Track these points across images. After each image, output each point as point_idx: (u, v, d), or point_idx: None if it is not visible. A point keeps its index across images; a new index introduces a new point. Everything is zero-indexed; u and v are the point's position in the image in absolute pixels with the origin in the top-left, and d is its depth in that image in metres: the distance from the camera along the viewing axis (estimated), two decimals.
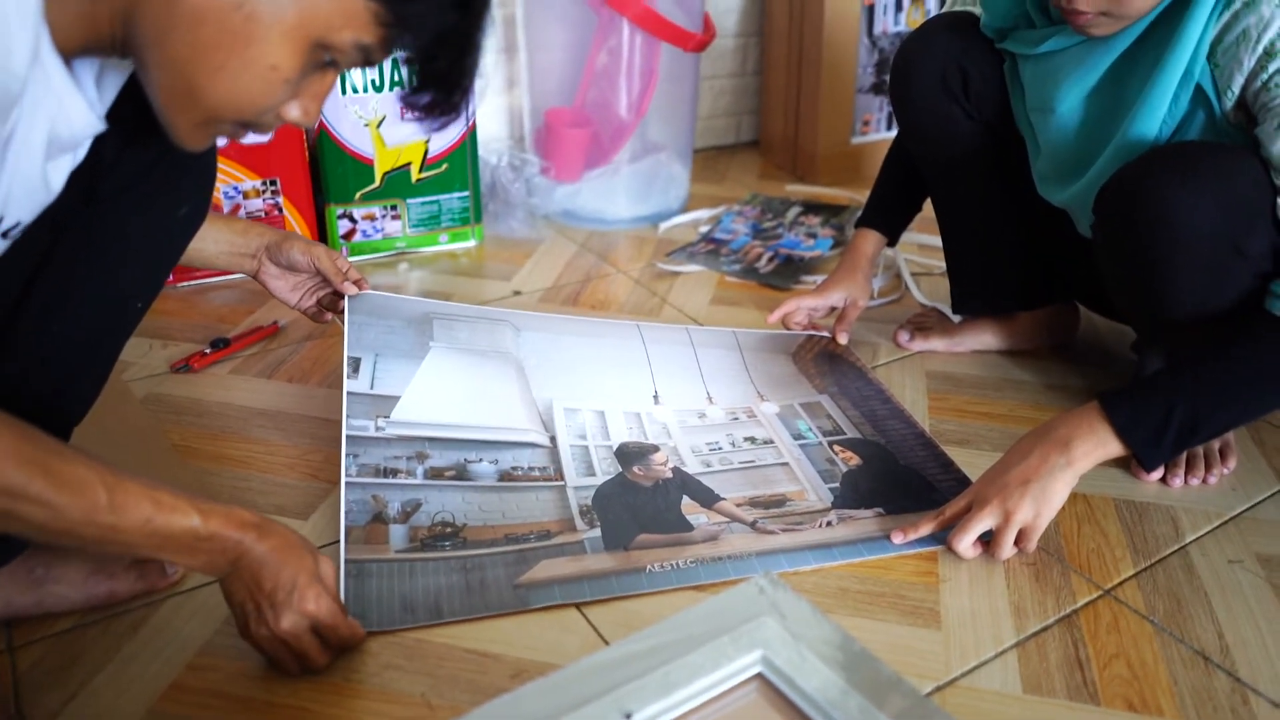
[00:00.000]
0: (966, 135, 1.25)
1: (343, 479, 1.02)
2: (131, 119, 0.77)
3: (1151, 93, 0.99)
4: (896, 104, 1.29)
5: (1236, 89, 0.94)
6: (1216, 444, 1.14)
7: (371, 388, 1.12)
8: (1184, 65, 0.97)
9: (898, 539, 1.00)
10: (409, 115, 0.74)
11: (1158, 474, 1.12)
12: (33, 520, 0.67)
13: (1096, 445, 0.95)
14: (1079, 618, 0.93)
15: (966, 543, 0.97)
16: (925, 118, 1.25)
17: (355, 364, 1.13)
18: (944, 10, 1.27)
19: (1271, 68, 0.91)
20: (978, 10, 1.20)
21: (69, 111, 0.66)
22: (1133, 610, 0.94)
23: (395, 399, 1.12)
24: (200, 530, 0.73)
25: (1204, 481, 1.12)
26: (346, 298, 1.15)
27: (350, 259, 1.66)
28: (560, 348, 1.27)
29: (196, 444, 1.16)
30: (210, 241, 1.08)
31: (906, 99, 1.26)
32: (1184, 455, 1.12)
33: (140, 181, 0.81)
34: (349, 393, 1.09)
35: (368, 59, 0.68)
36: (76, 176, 0.73)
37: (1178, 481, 1.11)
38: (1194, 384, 0.94)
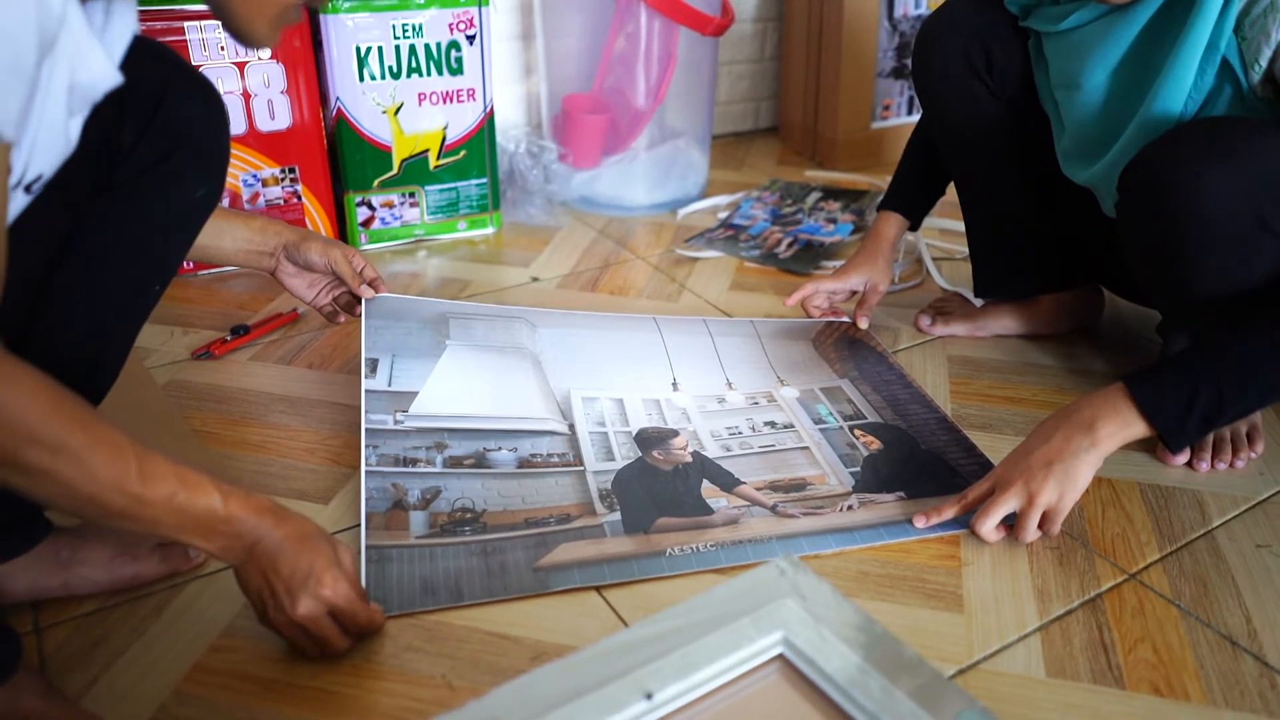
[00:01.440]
0: (989, 113, 1.23)
1: (363, 468, 1.02)
2: (146, 102, 0.77)
3: (1175, 66, 0.98)
4: (918, 81, 1.27)
5: (1264, 62, 0.93)
6: (1244, 427, 1.13)
7: (389, 385, 1.13)
8: (1207, 37, 0.95)
9: (920, 523, 1.00)
10: None
11: (1183, 458, 1.10)
12: (64, 479, 0.65)
13: (1121, 426, 0.94)
14: (1103, 601, 0.92)
15: (990, 526, 0.96)
16: (947, 95, 1.24)
17: (373, 364, 1.14)
18: None
19: None
20: None
21: (88, 59, 0.66)
22: (1158, 594, 0.93)
23: (413, 394, 1.13)
24: (220, 511, 0.73)
25: (1231, 466, 1.10)
26: (363, 300, 1.17)
27: (368, 246, 1.66)
28: (577, 342, 1.27)
29: (217, 429, 1.16)
30: (228, 239, 1.09)
31: (928, 76, 1.25)
32: (1210, 439, 1.11)
33: (158, 165, 0.81)
34: (367, 390, 1.10)
35: None
36: (95, 161, 0.74)
37: (1204, 465, 1.10)
38: (1220, 364, 0.93)
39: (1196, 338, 1.12)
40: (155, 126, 0.80)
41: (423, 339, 1.20)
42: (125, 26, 0.74)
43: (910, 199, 1.38)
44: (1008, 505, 0.95)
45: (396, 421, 1.09)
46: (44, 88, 0.63)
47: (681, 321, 1.36)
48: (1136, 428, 0.94)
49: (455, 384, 1.16)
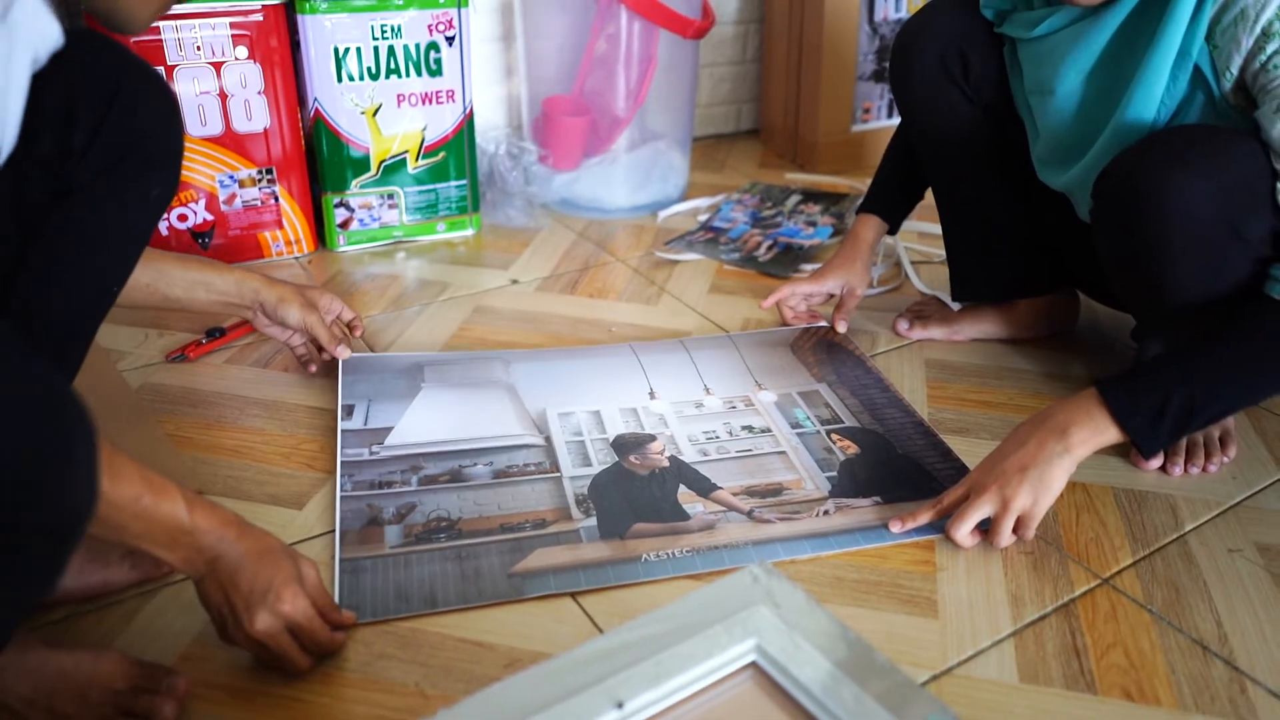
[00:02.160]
0: (966, 119, 1.24)
1: (337, 495, 1.03)
2: (97, 103, 0.77)
3: (1147, 72, 0.99)
4: (896, 86, 1.28)
5: (1235, 70, 0.93)
6: (1216, 432, 1.13)
7: (365, 424, 1.14)
8: (1178, 44, 0.96)
9: (895, 528, 1.00)
10: None
11: (1157, 462, 1.11)
12: None
13: (1094, 432, 0.94)
14: (1077, 606, 0.92)
15: (965, 531, 0.97)
16: (924, 101, 1.24)
17: (349, 410, 1.17)
18: None
19: (1270, 48, 0.90)
20: None
21: (43, 29, 0.66)
22: (1131, 599, 0.93)
23: (389, 429, 1.14)
24: (185, 521, 0.72)
25: (1204, 470, 1.11)
26: (340, 360, 1.22)
27: (346, 248, 1.66)
28: (552, 370, 1.27)
29: (191, 433, 1.15)
30: (202, 291, 1.11)
31: (906, 81, 1.25)
32: (1183, 443, 1.12)
33: (113, 168, 0.81)
34: (343, 430, 1.12)
35: None
36: (45, 164, 0.73)
37: (1177, 470, 1.11)
38: (1191, 369, 0.93)
39: (1170, 343, 1.13)
40: (108, 127, 0.80)
41: (398, 385, 1.22)
42: None
43: (889, 202, 1.38)
44: (982, 510, 0.96)
45: (372, 453, 1.10)
46: (12, 62, 0.63)
47: (658, 344, 1.36)
48: (1109, 433, 0.94)
49: (430, 416, 1.17)
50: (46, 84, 0.73)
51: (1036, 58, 1.12)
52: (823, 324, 1.41)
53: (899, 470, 1.11)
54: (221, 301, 1.14)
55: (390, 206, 1.67)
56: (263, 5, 1.47)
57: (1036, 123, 1.16)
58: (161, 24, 1.42)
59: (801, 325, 1.41)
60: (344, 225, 1.66)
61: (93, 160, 0.78)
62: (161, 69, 1.45)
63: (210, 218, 1.56)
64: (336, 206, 1.64)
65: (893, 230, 1.39)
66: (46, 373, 0.47)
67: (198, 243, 1.56)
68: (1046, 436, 0.95)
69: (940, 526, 1.00)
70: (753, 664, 0.67)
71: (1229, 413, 1.04)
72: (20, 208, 0.76)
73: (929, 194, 1.38)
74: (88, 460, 0.49)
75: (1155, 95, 0.99)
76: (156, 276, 1.07)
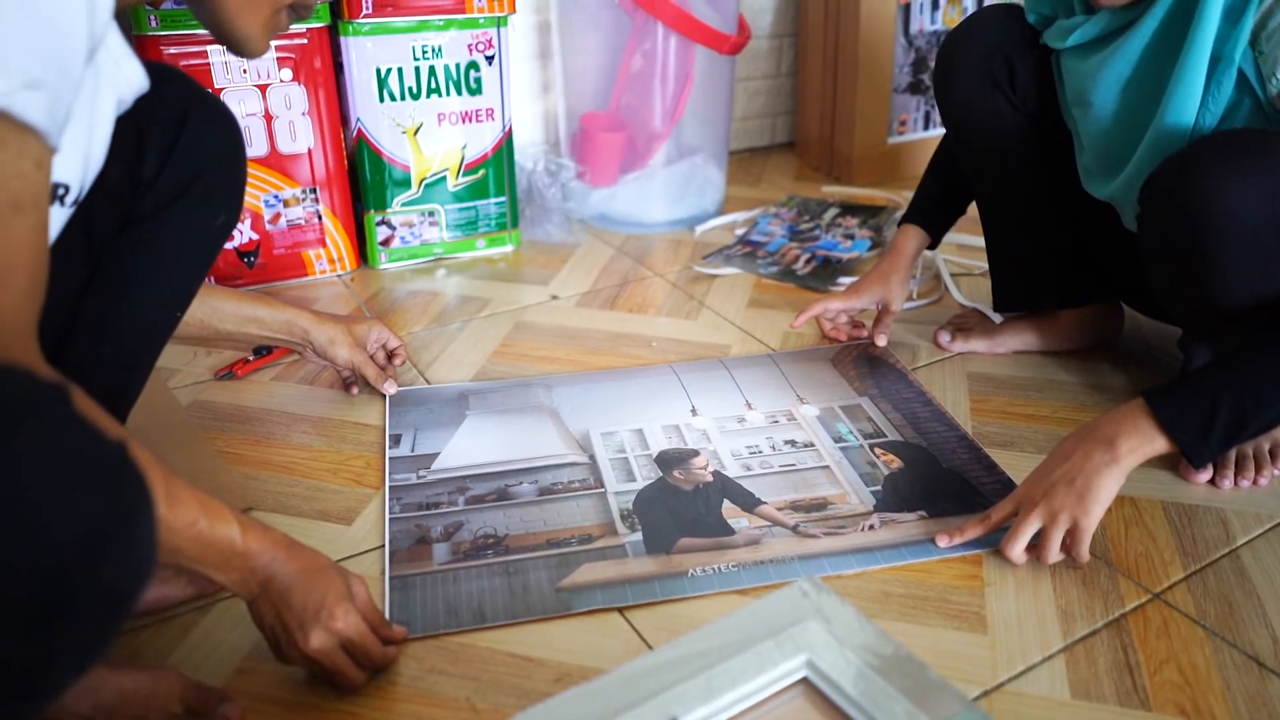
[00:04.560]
0: (1011, 128, 1.23)
1: (386, 517, 1.04)
2: (165, 132, 0.79)
3: (1183, 78, 0.98)
4: (940, 94, 1.27)
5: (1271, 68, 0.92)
6: (1266, 444, 1.12)
7: (413, 451, 1.16)
8: (1209, 47, 0.96)
9: (943, 542, 0.99)
10: None
11: (1206, 475, 1.10)
12: None
13: (1142, 442, 0.93)
14: (1128, 622, 0.91)
15: (1019, 549, 0.96)
16: (968, 109, 1.24)
17: (396, 438, 1.19)
18: (991, 2, 1.26)
19: None
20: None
21: (128, 74, 0.68)
22: (1183, 614, 0.92)
23: (435, 454, 1.15)
24: (238, 544, 0.74)
25: (1254, 483, 1.09)
26: (386, 396, 1.26)
27: (388, 265, 1.68)
28: (594, 393, 1.28)
29: (240, 450, 1.17)
30: (254, 326, 1.15)
31: (950, 90, 1.25)
32: (1233, 456, 1.10)
33: (179, 197, 0.83)
34: (391, 458, 1.14)
35: None
36: (115, 194, 0.75)
37: (1227, 483, 1.09)
38: (1241, 377, 0.92)
39: (1218, 352, 1.11)
40: (175, 157, 0.82)
41: (444, 414, 1.24)
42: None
43: (931, 214, 1.38)
44: (1033, 526, 0.95)
45: (419, 477, 1.11)
46: (89, 98, 0.65)
47: (698, 363, 1.37)
48: (1158, 443, 0.93)
49: (476, 441, 1.18)
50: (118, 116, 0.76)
51: (1074, 68, 1.11)
52: (863, 339, 1.40)
53: (944, 484, 1.10)
54: (272, 338, 1.19)
55: (431, 224, 1.69)
56: (307, 28, 1.50)
57: (1079, 134, 1.15)
58: (209, 48, 1.45)
59: (843, 341, 1.40)
60: (385, 243, 1.68)
61: (160, 190, 0.81)
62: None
63: (256, 237, 1.58)
64: (378, 224, 1.66)
65: (934, 243, 1.39)
66: (111, 441, 0.48)
67: (243, 261, 1.59)
68: (1093, 448, 0.94)
69: (987, 541, 0.99)
70: (804, 679, 0.67)
71: None
72: (89, 235, 0.78)
73: (971, 207, 1.38)
74: (147, 533, 0.50)
75: (1193, 102, 0.99)
76: (210, 313, 1.10)
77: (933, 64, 1.35)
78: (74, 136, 0.65)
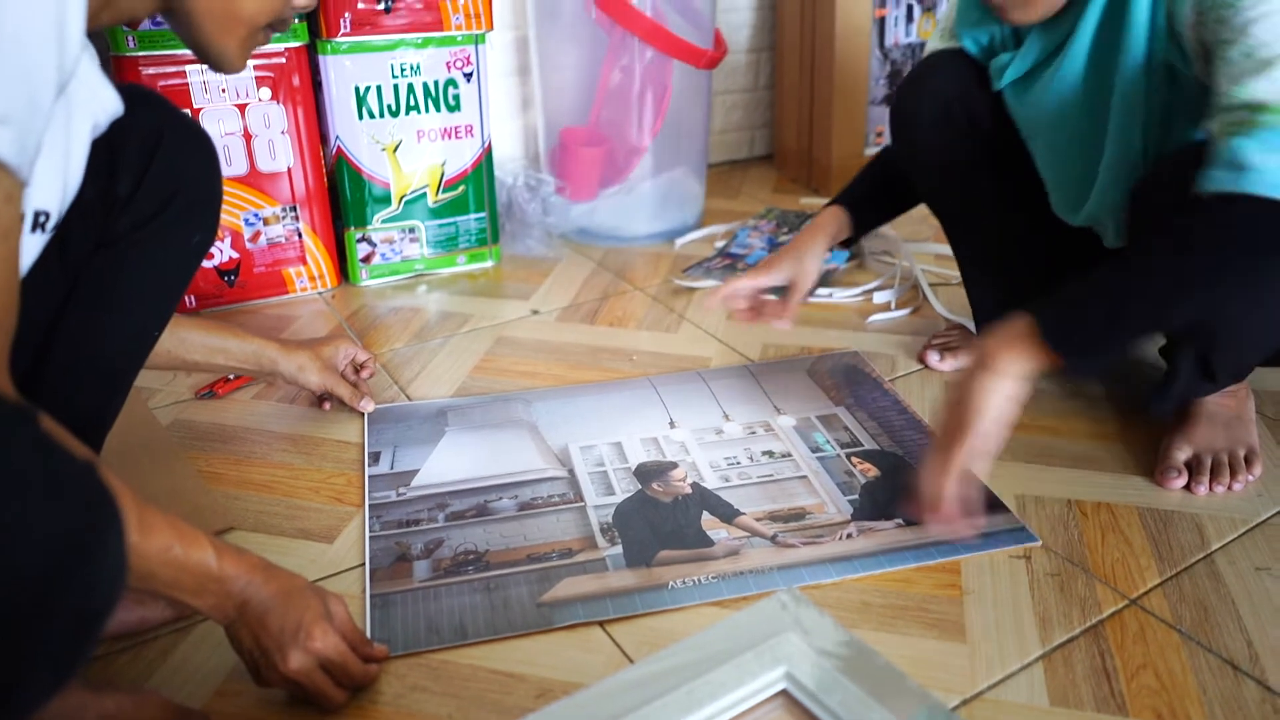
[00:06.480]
0: (978, 168, 1.22)
1: (366, 537, 1.04)
2: (140, 153, 0.79)
3: (1124, 92, 0.99)
4: (902, 149, 1.26)
5: (1193, 42, 0.93)
6: (1241, 451, 1.13)
7: (392, 468, 1.16)
8: (1142, 56, 0.97)
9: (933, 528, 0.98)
10: None
11: (1181, 481, 1.11)
12: None
13: (1019, 353, 0.91)
14: (1105, 628, 0.92)
15: (930, 479, 0.93)
16: (933, 157, 1.23)
17: (375, 456, 1.19)
18: (931, 50, 1.24)
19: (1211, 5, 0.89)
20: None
21: (102, 99, 0.68)
22: (1159, 619, 0.93)
23: (415, 472, 1.15)
24: (214, 569, 0.73)
25: (1229, 489, 1.11)
26: (364, 414, 1.26)
27: (369, 281, 1.68)
28: (572, 407, 1.29)
29: (221, 469, 1.17)
30: (220, 357, 1.14)
31: (913, 141, 1.23)
32: (1208, 463, 1.12)
33: (155, 217, 0.83)
34: (370, 476, 1.14)
35: None
36: (89, 214, 0.75)
37: (1202, 489, 1.10)
38: (1113, 277, 0.91)
39: (1201, 358, 1.11)
40: (150, 178, 0.82)
41: (423, 431, 1.24)
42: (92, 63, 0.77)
43: (860, 209, 1.33)
44: (937, 454, 0.93)
45: (399, 494, 1.11)
46: (63, 126, 0.65)
47: (675, 376, 1.37)
48: (1032, 348, 0.91)
49: (455, 457, 1.18)
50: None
51: (1017, 103, 1.12)
52: (847, 350, 1.41)
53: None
54: (239, 369, 1.18)
55: (411, 240, 1.70)
56: (285, 47, 1.50)
57: (1039, 165, 1.16)
58: (187, 68, 1.45)
59: (752, 321, 1.31)
60: (366, 260, 1.68)
61: (135, 209, 0.81)
62: (188, 111, 1.48)
63: (236, 256, 1.58)
64: (359, 241, 1.67)
65: (854, 238, 1.34)
66: (79, 462, 0.49)
67: (224, 280, 1.58)
68: (974, 369, 0.92)
69: (967, 548, 1.00)
70: (784, 691, 0.68)
71: (1159, 324, 1.00)
72: (64, 255, 0.78)
73: (927, 212, 1.37)
74: (116, 551, 0.51)
75: (1138, 113, 1.00)
76: (177, 344, 1.09)
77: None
78: (52, 164, 0.65)
